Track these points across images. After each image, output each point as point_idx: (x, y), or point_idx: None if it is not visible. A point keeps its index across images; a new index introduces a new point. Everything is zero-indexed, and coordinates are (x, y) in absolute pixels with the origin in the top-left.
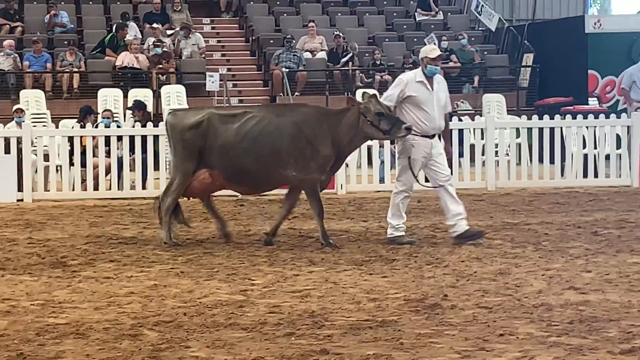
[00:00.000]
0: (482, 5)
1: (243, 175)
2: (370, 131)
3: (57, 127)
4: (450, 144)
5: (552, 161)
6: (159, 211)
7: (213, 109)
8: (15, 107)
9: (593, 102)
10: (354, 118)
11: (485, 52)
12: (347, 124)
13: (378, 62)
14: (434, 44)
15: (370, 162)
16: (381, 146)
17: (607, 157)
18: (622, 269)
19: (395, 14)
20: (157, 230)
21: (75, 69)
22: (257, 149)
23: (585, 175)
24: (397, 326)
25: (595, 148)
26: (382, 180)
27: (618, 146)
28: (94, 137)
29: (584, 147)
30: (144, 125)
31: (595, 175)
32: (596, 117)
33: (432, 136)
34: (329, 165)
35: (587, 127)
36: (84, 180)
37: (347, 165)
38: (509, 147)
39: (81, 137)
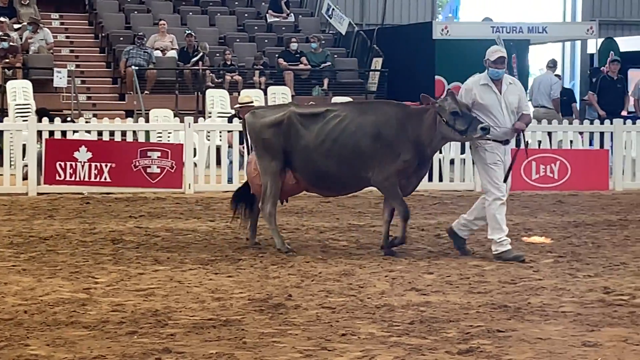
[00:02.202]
0: (333, 9)
1: (325, 178)
2: (446, 132)
3: None
4: (523, 124)
5: None
6: (235, 208)
7: (294, 107)
8: None
9: None
10: (432, 118)
11: (335, 56)
12: (427, 124)
13: (229, 63)
14: (501, 44)
15: (218, 162)
16: (230, 146)
17: (452, 161)
18: (463, 271)
19: (246, 15)
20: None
21: None
22: (338, 150)
23: (430, 179)
24: (240, 325)
25: (440, 152)
26: (230, 181)
27: (462, 151)
28: None
29: None
30: None
31: (440, 179)
32: None
33: (505, 142)
34: (408, 170)
35: None
36: None
37: (195, 164)
38: None
39: None
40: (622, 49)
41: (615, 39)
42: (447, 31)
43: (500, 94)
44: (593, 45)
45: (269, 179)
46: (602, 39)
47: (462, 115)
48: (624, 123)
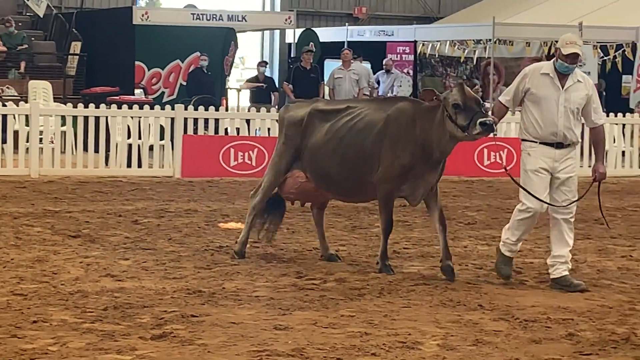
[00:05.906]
0: None
1: (329, 180)
2: (450, 128)
3: None
4: (602, 163)
5: (97, 150)
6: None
7: (320, 103)
8: None
9: (139, 93)
10: (441, 115)
11: (33, 38)
12: (436, 123)
13: None
14: (580, 33)
15: None
16: None
17: (151, 147)
18: (159, 257)
19: None
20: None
21: None
22: (342, 149)
23: (129, 165)
24: None
25: (140, 138)
26: None
27: (162, 137)
28: None
29: (129, 137)
30: None
31: (139, 165)
32: (141, 108)
33: (558, 146)
34: (406, 176)
35: (132, 118)
36: None
37: None
38: (54, 134)
39: None
40: (321, 40)
41: (314, 29)
42: (148, 17)
43: (562, 88)
44: (291, 35)
45: (270, 174)
46: (301, 29)
47: (464, 109)
48: None
